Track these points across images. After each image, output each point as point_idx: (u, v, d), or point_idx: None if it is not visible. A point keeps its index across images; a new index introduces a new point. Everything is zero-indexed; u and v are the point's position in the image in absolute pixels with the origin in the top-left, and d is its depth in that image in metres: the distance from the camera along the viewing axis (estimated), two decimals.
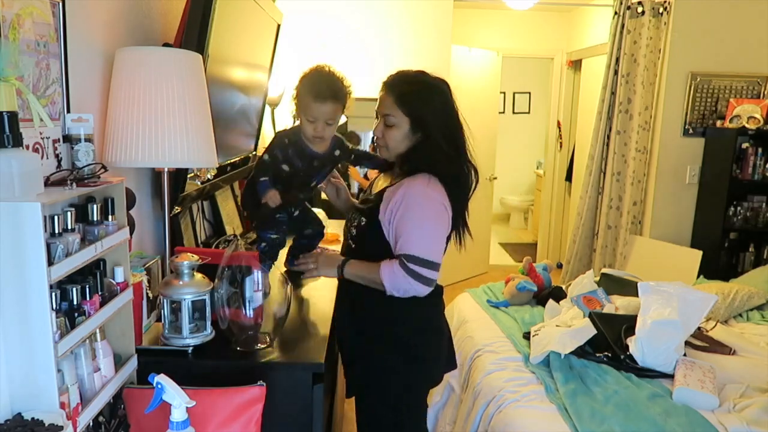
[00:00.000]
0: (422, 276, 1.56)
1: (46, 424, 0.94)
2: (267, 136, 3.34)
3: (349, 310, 1.73)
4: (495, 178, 5.49)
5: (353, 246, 1.71)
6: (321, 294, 1.90)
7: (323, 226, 1.96)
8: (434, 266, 1.58)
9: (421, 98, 1.60)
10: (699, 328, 2.42)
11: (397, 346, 1.68)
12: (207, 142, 1.54)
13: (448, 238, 1.68)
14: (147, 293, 1.45)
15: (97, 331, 1.14)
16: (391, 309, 1.64)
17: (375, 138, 1.70)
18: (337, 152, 1.79)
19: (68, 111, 1.32)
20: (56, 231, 1.04)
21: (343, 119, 1.73)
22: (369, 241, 1.66)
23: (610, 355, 2.23)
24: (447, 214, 1.61)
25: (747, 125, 3.58)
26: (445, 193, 1.59)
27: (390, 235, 1.61)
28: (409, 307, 1.64)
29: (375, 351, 1.69)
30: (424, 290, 1.59)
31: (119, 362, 1.23)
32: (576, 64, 5.54)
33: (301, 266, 1.74)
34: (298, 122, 1.71)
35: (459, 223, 1.68)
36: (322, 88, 1.62)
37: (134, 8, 1.70)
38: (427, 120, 1.60)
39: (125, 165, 1.42)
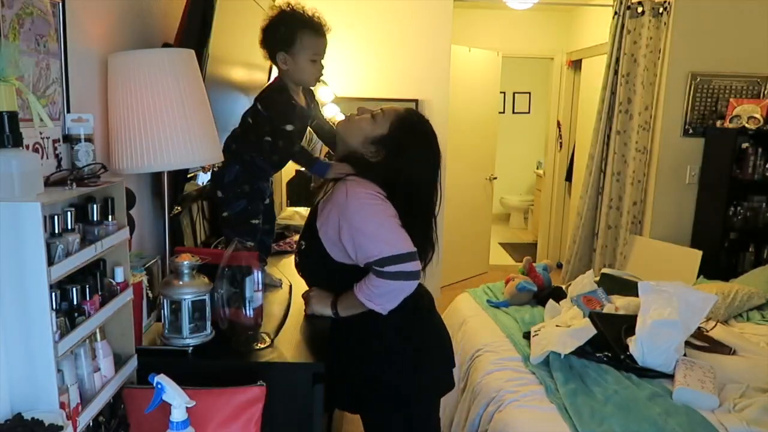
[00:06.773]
0: (404, 272, 1.42)
1: (46, 424, 0.94)
2: None
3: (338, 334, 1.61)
4: (495, 178, 5.48)
5: (303, 276, 1.66)
6: None
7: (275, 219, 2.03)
8: (409, 256, 1.43)
9: (410, 132, 1.55)
10: (699, 328, 2.42)
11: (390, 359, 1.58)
12: (210, 138, 1.52)
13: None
14: (147, 293, 1.45)
15: (97, 331, 1.14)
16: (376, 322, 1.52)
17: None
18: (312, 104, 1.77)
19: (68, 111, 1.32)
20: (56, 231, 1.04)
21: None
22: (313, 263, 1.59)
23: (610, 355, 2.23)
24: (383, 201, 1.48)
25: (747, 125, 3.58)
26: (373, 184, 1.49)
27: (347, 250, 1.49)
28: (395, 322, 1.53)
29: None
30: (412, 284, 1.45)
31: (119, 362, 1.23)
32: (576, 64, 5.53)
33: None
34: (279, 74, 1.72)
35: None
36: (317, 23, 1.65)
37: (134, 8, 1.70)
38: (402, 150, 1.53)
39: (133, 171, 1.42)
